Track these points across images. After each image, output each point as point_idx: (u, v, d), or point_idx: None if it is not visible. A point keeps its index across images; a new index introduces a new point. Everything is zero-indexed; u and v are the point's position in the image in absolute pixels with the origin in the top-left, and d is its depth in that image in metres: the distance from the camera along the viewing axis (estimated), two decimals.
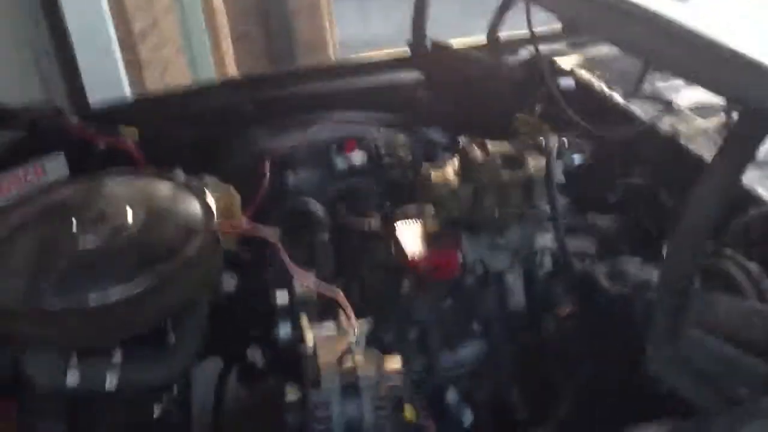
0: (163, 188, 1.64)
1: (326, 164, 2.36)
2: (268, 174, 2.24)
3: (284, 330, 1.71)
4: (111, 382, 1.38)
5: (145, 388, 1.45)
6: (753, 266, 1.32)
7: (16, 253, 1.50)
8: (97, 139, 1.81)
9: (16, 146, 1.70)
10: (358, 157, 2.33)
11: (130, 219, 1.50)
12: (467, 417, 1.55)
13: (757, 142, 1.11)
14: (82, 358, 1.40)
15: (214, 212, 1.59)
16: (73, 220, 1.49)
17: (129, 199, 1.56)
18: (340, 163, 2.36)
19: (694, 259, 1.12)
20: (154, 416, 1.51)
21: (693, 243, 1.12)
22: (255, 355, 2.11)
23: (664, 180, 1.83)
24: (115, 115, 2.15)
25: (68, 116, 1.80)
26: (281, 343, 1.72)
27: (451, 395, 1.58)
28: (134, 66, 3.44)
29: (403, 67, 2.54)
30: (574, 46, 2.52)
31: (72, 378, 1.38)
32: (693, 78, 1.17)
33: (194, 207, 1.59)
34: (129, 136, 1.84)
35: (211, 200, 1.63)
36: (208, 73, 4.55)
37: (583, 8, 1.10)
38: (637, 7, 1.06)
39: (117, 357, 1.41)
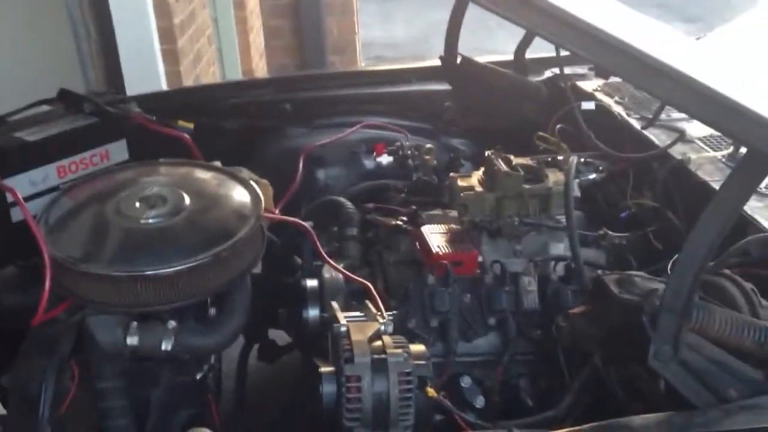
0: (217, 177, 1.81)
1: (355, 164, 2.53)
2: (300, 169, 2.40)
3: (313, 313, 1.87)
4: (166, 345, 1.54)
5: (195, 353, 1.61)
6: (748, 285, 1.48)
7: (81, 224, 1.66)
8: (157, 129, 1.96)
9: (86, 131, 1.86)
10: (385, 159, 2.50)
11: (187, 201, 1.67)
12: (479, 401, 1.70)
13: (760, 179, 1.28)
14: (141, 323, 1.56)
15: (262, 202, 1.75)
16: (137, 200, 1.65)
17: (186, 185, 1.73)
18: (368, 164, 2.53)
19: (697, 273, 1.28)
20: (197, 378, 1.67)
21: (697, 260, 1.28)
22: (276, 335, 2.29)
23: (673, 202, 1.99)
24: (157, 103, 2.33)
25: (132, 106, 1.95)
26: (308, 326, 1.87)
27: (465, 380, 1.73)
28: (171, 56, 3.60)
29: (433, 78, 2.70)
30: (592, 70, 2.68)
31: (132, 339, 1.54)
32: (704, 122, 1.34)
33: (244, 195, 1.75)
34: (186, 129, 1.99)
35: (258, 191, 1.79)
36: (234, 65, 4.72)
37: (603, 54, 1.25)
38: (650, 58, 1.21)
39: (172, 323, 1.57)
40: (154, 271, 1.51)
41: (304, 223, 1.97)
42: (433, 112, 2.66)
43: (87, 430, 1.61)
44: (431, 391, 1.49)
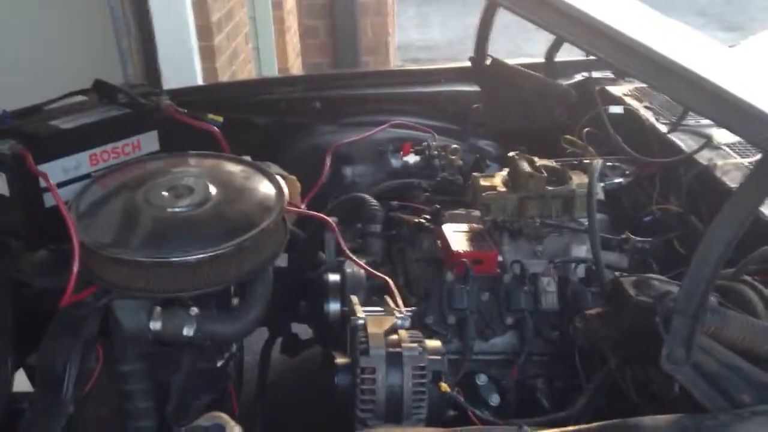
0: (243, 170, 1.85)
1: (382, 162, 2.55)
2: (328, 165, 2.43)
3: (334, 306, 1.89)
4: (188, 330, 1.58)
5: (216, 340, 1.65)
6: (767, 291, 1.48)
7: (110, 210, 1.71)
8: (187, 122, 2.01)
9: (119, 121, 1.91)
10: (412, 159, 2.52)
11: (213, 192, 1.71)
12: (494, 398, 1.72)
13: None
14: (165, 309, 1.61)
15: (286, 195, 1.79)
16: (165, 189, 1.70)
17: (213, 176, 1.77)
18: (395, 163, 2.55)
19: (711, 275, 1.28)
20: (217, 365, 1.71)
21: (712, 262, 1.28)
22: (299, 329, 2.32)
23: (698, 208, 1.97)
24: (189, 97, 2.37)
25: (164, 98, 2.00)
26: (329, 319, 1.90)
27: (481, 378, 1.75)
28: (208, 53, 3.66)
29: (462, 80, 2.71)
30: (626, 76, 2.67)
31: (155, 324, 1.58)
32: (718, 123, 1.34)
33: (269, 188, 1.78)
34: (215, 122, 2.04)
35: (283, 184, 1.83)
36: (271, 63, 4.78)
37: (630, 61, 1.26)
38: (663, 58, 1.22)
39: (194, 310, 1.61)
40: (179, 259, 1.55)
41: (327, 218, 2.00)
42: (461, 113, 2.67)
43: (109, 411, 1.66)
44: (445, 386, 1.50)
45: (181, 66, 3.25)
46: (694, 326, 1.28)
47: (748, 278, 1.53)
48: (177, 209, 1.65)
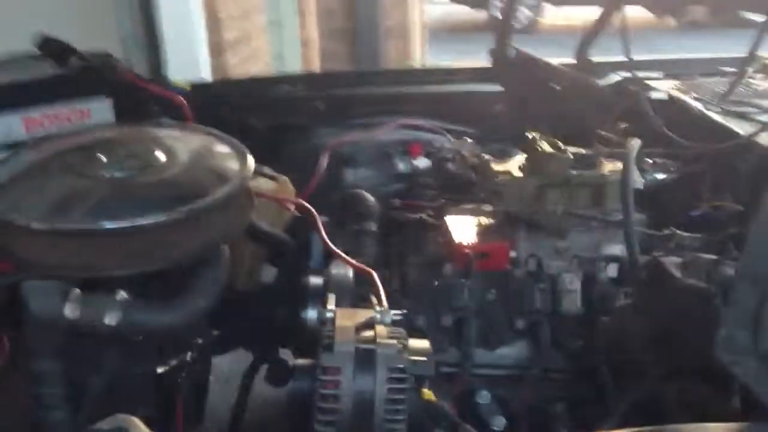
0: (203, 138, 1.56)
1: (388, 165, 2.27)
2: (324, 164, 2.16)
3: (313, 314, 1.57)
4: (111, 318, 1.26)
5: (145, 332, 1.32)
6: None
7: (37, 180, 1.43)
8: (147, 89, 1.74)
9: (63, 81, 1.64)
10: (422, 162, 2.23)
11: (161, 158, 1.42)
12: (499, 422, 1.35)
13: None
14: (85, 291, 1.29)
15: (251, 167, 1.49)
16: (103, 153, 1.41)
17: (164, 144, 1.48)
18: (402, 166, 2.26)
19: None
20: (158, 371, 1.38)
21: None
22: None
23: (759, 198, 1.61)
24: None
25: (121, 64, 1.74)
26: (309, 328, 1.57)
27: (483, 395, 1.38)
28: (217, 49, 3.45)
29: (482, 79, 2.42)
30: (668, 76, 2.35)
31: (70, 309, 1.27)
32: None
33: (231, 156, 1.49)
34: (181, 89, 1.77)
35: (250, 158, 1.53)
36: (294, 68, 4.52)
37: None
38: None
39: (122, 294, 1.29)
40: (105, 227, 1.25)
41: (310, 206, 1.70)
42: (480, 116, 2.37)
43: (21, 420, 1.34)
44: (428, 393, 1.16)
45: (188, 59, 3.00)
46: (765, 298, 0.91)
47: None
48: (113, 174, 1.36)
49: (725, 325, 0.92)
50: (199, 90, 2.38)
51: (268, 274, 2.00)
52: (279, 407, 2.26)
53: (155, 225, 1.27)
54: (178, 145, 1.50)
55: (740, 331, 0.92)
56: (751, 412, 1.00)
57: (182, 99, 1.77)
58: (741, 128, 1.77)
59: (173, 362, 1.45)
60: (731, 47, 2.50)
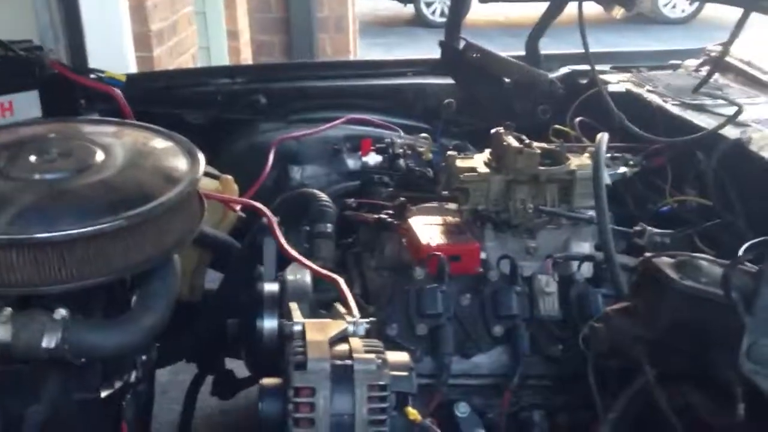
0: (146, 135, 1.41)
1: (337, 163, 2.16)
2: (270, 162, 2.03)
3: (269, 323, 1.44)
4: (49, 341, 1.11)
5: (89, 355, 1.18)
6: None
7: None
8: (78, 81, 1.58)
9: None
10: (373, 159, 2.13)
11: (98, 158, 1.27)
12: None
13: None
14: (19, 311, 1.14)
15: (201, 165, 1.35)
16: (31, 152, 1.26)
17: (101, 141, 1.33)
18: (352, 164, 2.16)
19: None
20: (102, 395, 1.24)
21: None
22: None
23: (726, 195, 1.58)
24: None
25: (48, 54, 1.57)
26: (265, 339, 1.45)
27: (462, 408, 1.30)
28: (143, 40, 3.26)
29: (434, 73, 2.34)
30: (615, 69, 2.32)
31: (3, 331, 1.11)
32: None
33: (178, 156, 1.35)
34: (116, 81, 1.61)
35: (201, 156, 1.40)
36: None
37: None
38: None
39: (60, 313, 1.14)
40: (39, 236, 1.10)
41: (263, 207, 1.57)
42: (431, 110, 2.29)
43: None
44: (413, 413, 1.06)
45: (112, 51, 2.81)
46: None
47: None
48: (46, 176, 1.21)
49: (750, 333, 0.86)
50: (130, 83, 2.22)
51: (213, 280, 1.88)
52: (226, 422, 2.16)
53: (94, 234, 1.13)
54: (116, 143, 1.35)
55: (765, 339, 0.86)
56: (757, 422, 0.95)
57: (118, 92, 1.61)
58: (702, 121, 1.75)
59: (117, 384, 1.31)
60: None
